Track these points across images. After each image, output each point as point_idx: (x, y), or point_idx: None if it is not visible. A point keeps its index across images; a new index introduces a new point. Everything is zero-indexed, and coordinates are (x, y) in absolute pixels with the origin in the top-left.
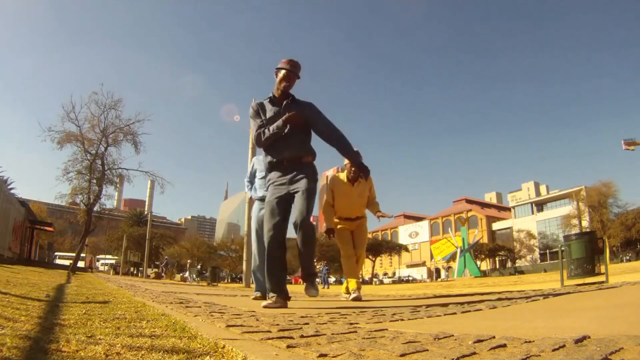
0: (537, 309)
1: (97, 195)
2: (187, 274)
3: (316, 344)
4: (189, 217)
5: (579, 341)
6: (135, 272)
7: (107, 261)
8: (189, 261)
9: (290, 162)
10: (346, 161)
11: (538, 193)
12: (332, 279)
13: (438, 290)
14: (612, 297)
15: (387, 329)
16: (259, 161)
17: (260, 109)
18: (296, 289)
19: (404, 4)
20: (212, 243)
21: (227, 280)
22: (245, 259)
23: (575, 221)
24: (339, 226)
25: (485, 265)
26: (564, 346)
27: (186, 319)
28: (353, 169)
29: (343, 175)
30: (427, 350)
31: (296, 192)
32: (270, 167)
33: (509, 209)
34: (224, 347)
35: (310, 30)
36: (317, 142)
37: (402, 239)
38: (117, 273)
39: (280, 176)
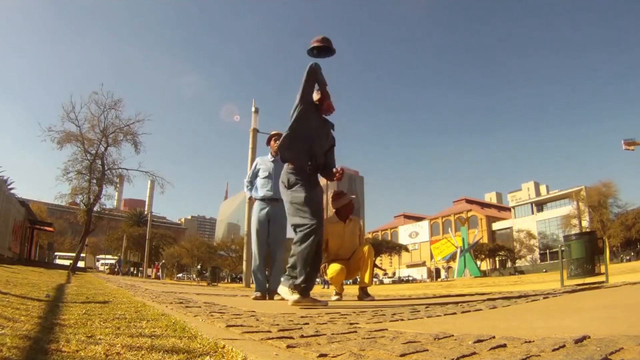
0: (537, 309)
1: (97, 195)
2: (159, 273)
3: (316, 344)
4: (189, 217)
5: (579, 341)
6: (135, 272)
7: (107, 261)
8: (162, 262)
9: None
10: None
11: (538, 193)
12: None
13: (438, 290)
14: (612, 297)
15: (387, 329)
16: (263, 161)
17: None
18: None
19: (403, 2)
20: (212, 243)
21: (227, 280)
22: (245, 259)
23: (575, 221)
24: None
25: (485, 265)
26: (564, 346)
27: (186, 319)
28: (347, 207)
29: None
30: (427, 350)
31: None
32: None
33: (509, 209)
34: (224, 347)
35: (310, 30)
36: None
37: (402, 239)
38: (114, 273)
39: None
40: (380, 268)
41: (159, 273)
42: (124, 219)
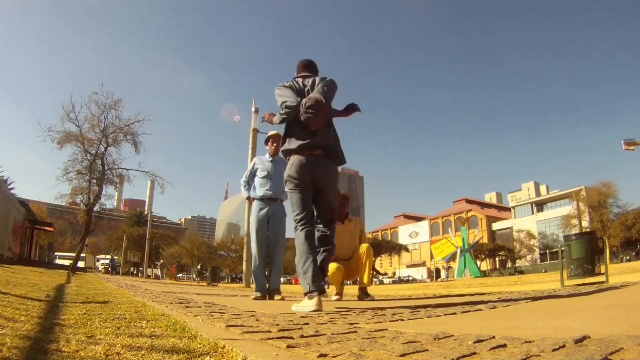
0: (537, 309)
1: (97, 195)
2: (158, 272)
3: (316, 344)
4: (189, 217)
5: (579, 341)
6: (135, 272)
7: (107, 261)
8: (161, 261)
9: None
10: None
11: (538, 193)
12: None
13: (438, 290)
14: (612, 297)
15: (387, 329)
16: (261, 161)
17: None
18: (297, 288)
19: (403, 2)
20: (212, 243)
21: (227, 280)
22: (245, 259)
23: (575, 221)
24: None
25: (485, 265)
26: (564, 346)
27: (186, 319)
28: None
29: None
30: (427, 350)
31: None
32: None
33: (509, 209)
34: (224, 347)
35: (309, 30)
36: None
37: (402, 239)
38: (108, 273)
39: None
40: (380, 273)
41: (159, 273)
42: (124, 219)
